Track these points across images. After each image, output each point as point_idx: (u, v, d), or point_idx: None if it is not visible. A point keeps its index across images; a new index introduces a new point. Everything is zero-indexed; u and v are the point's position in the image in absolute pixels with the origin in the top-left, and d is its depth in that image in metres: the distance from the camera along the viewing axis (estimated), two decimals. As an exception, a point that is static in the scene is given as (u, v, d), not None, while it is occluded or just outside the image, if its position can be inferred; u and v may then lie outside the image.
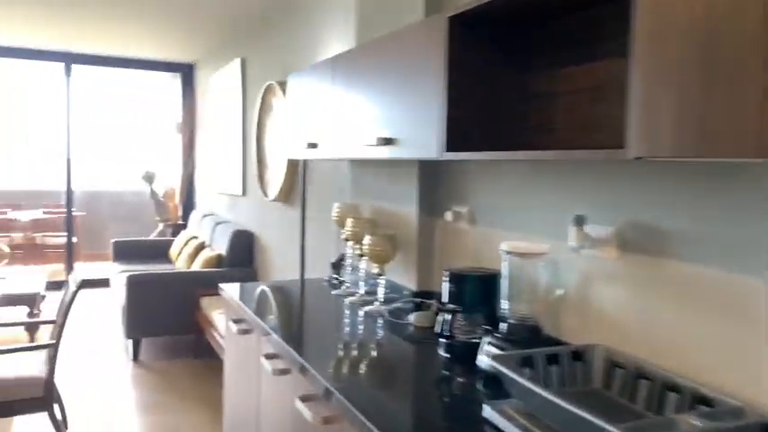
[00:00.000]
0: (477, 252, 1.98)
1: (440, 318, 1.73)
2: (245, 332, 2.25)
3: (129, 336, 4.12)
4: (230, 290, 2.52)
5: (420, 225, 2.23)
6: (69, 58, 6.19)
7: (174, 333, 4.35)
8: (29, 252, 7.28)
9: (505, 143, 1.65)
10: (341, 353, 1.75)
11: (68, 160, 6.30)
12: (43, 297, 5.05)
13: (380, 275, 2.22)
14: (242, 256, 4.50)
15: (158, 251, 5.88)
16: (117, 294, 4.74)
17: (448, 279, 1.72)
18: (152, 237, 6.72)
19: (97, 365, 4.07)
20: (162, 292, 4.15)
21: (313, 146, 2.42)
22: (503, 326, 1.56)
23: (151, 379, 3.86)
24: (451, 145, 1.56)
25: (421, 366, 1.69)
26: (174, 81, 7.22)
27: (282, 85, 3.70)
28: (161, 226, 6.76)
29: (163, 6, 4.31)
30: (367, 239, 2.19)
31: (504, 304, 1.58)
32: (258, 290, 2.55)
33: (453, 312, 1.70)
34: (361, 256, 2.37)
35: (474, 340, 1.63)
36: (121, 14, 4.59)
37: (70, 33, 5.36)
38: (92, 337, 4.68)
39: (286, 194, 3.79)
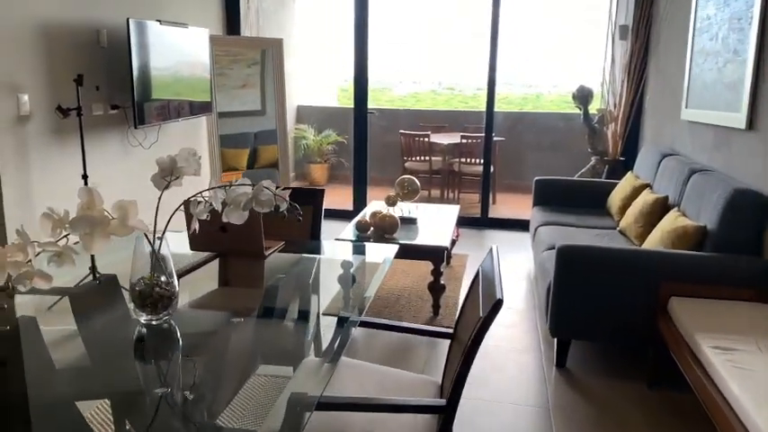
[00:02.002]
0: None
1: None
2: None
3: (554, 333, 2.85)
4: None
5: None
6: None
7: (620, 341, 2.92)
8: (446, 178, 6.83)
9: None
10: None
11: (491, 79, 5.30)
12: (453, 242, 4.25)
13: None
14: (744, 237, 2.67)
15: (591, 197, 4.45)
16: (538, 259, 3.54)
17: None
18: (580, 174, 5.33)
19: (507, 363, 2.96)
20: (607, 277, 2.72)
21: None
22: None
23: (580, 411, 2.53)
24: None
25: None
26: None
27: None
28: (593, 160, 5.29)
29: None
30: None
31: None
32: None
33: None
34: None
35: None
36: None
37: None
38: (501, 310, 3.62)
39: None
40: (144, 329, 1.59)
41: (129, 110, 3.86)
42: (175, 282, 1.60)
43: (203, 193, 1.57)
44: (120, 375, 1.52)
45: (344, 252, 2.47)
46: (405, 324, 1.96)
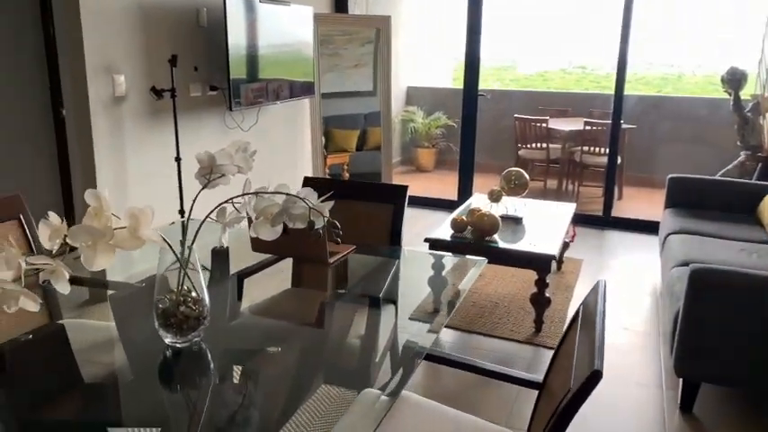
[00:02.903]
0: None
1: None
2: None
3: (680, 371, 2.35)
4: None
5: None
6: None
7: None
8: (565, 169, 6.22)
9: None
10: None
11: (621, 57, 4.64)
12: (567, 245, 3.76)
13: None
14: None
15: (737, 201, 3.74)
16: (666, 276, 2.99)
17: None
18: (725, 171, 4.57)
19: (619, 398, 2.50)
20: (754, 311, 2.17)
21: None
22: None
23: (712, 478, 2.04)
24: None
25: None
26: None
27: None
28: (743, 156, 4.51)
29: None
30: None
31: None
32: None
33: None
34: None
35: None
36: None
37: None
38: (612, 327, 3.13)
39: None
40: (169, 352, 1.38)
41: (226, 91, 3.76)
42: (206, 299, 1.37)
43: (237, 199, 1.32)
44: (144, 401, 1.32)
45: (424, 262, 2.14)
46: (478, 363, 1.62)
